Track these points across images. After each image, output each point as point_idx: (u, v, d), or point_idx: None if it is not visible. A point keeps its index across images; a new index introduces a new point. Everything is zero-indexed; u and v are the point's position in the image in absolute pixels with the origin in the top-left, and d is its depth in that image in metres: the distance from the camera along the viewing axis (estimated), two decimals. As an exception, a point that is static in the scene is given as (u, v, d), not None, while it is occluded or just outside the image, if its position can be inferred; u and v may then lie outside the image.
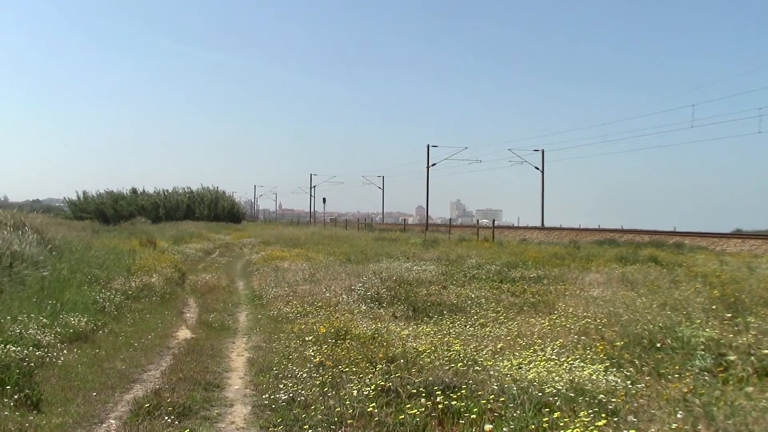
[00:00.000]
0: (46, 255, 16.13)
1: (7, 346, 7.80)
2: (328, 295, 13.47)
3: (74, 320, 10.19)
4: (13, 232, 16.47)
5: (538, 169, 62.46)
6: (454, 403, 5.90)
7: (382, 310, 11.73)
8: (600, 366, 7.08)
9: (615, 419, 5.37)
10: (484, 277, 16.08)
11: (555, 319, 9.97)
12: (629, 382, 6.49)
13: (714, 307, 9.88)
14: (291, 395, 6.78)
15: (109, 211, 79.96)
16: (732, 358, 7.12)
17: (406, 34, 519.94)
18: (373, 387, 6.56)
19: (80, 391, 7.31)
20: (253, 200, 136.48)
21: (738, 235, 34.01)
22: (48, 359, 8.17)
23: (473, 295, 12.90)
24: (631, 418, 5.37)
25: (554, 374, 6.75)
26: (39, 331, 9.06)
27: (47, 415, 6.38)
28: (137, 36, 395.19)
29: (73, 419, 6.39)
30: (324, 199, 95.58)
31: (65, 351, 8.74)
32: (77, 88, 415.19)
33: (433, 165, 63.56)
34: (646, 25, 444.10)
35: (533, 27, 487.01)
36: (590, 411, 5.54)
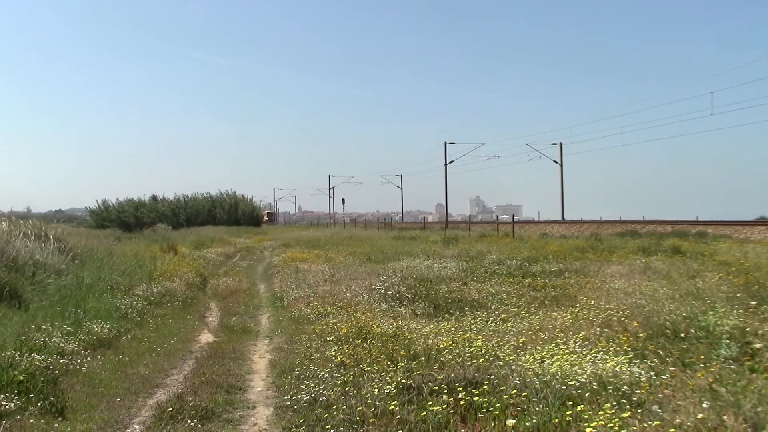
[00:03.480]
0: (68, 263, 16.29)
1: (32, 355, 7.88)
2: (348, 295, 13.47)
3: (97, 327, 10.27)
4: (35, 242, 16.65)
5: (556, 162, 62.08)
6: (476, 398, 5.87)
7: (402, 309, 11.70)
8: (623, 358, 7.00)
9: (639, 410, 5.30)
10: (504, 272, 16.00)
11: (577, 312, 9.89)
12: (653, 373, 6.40)
13: (738, 295, 9.75)
14: (313, 396, 6.78)
15: (130, 219, 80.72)
16: (758, 346, 7.00)
17: (419, 32, 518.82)
18: (394, 385, 6.54)
19: (104, 397, 7.36)
20: (273, 203, 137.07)
21: (762, 222, 33.55)
22: (72, 366, 8.23)
23: (494, 291, 12.84)
24: (655, 408, 5.30)
25: (577, 367, 6.68)
26: (63, 339, 9.14)
27: (72, 422, 6.43)
28: (156, 45, 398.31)
29: (97, 425, 6.44)
30: (343, 200, 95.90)
31: (89, 358, 8.81)
32: (96, 97, 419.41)
33: (451, 162, 63.52)
34: (660, 13, 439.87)
35: (547, 19, 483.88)
36: (614, 403, 5.48)
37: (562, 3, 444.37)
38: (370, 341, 8.68)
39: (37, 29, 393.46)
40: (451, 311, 11.19)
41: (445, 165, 63.16)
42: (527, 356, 7.37)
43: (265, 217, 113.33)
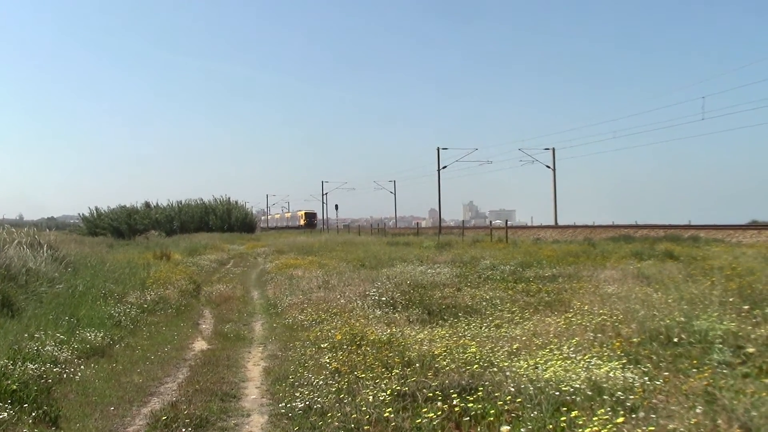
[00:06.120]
0: (62, 271, 16.25)
1: (25, 364, 7.86)
2: (342, 301, 13.45)
3: (90, 335, 10.25)
4: (28, 250, 16.59)
5: (549, 167, 62.26)
6: (470, 405, 5.86)
7: (396, 315, 11.68)
8: (617, 363, 7.01)
9: (633, 416, 5.31)
10: (498, 277, 16.02)
11: (571, 317, 9.89)
12: (647, 378, 6.42)
13: (731, 299, 9.78)
14: (307, 403, 6.77)
15: (123, 226, 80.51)
16: (751, 350, 7.04)
17: (412, 37, 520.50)
18: (389, 392, 6.53)
19: (98, 405, 7.34)
20: (265, 209, 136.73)
21: (754, 226, 33.70)
22: (65, 375, 8.21)
23: (488, 297, 12.84)
24: (649, 414, 5.31)
25: (571, 373, 6.68)
26: (56, 348, 9.12)
27: (66, 431, 6.41)
28: (150, 51, 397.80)
29: (91, 434, 6.42)
30: (336, 206, 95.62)
31: (82, 366, 8.79)
32: (91, 105, 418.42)
33: (444, 167, 63.49)
34: (652, 18, 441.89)
35: (539, 26, 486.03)
36: (608, 409, 5.49)
37: (556, 10, 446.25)
38: (365, 348, 8.66)
39: (32, 36, 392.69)
40: (445, 317, 11.19)
41: (438, 170, 63.23)
42: (521, 362, 7.37)
43: (302, 221, 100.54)
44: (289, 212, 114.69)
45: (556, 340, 8.42)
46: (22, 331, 9.73)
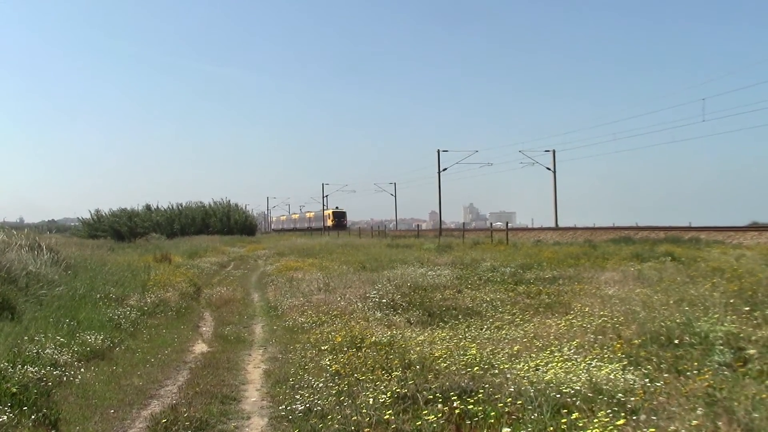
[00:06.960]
0: (62, 274, 16.25)
1: (25, 367, 7.84)
2: (342, 303, 13.44)
3: (91, 338, 10.23)
4: (28, 252, 16.59)
5: (549, 169, 62.20)
6: (471, 407, 5.86)
7: (397, 317, 11.68)
8: (618, 365, 7.01)
9: (634, 418, 5.31)
10: (498, 279, 16.02)
11: (571, 319, 9.89)
12: (648, 380, 6.42)
13: (732, 301, 9.77)
14: (307, 405, 6.76)
15: (123, 229, 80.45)
16: (751, 352, 7.03)
17: (412, 39, 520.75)
18: (389, 394, 6.52)
19: (98, 408, 7.33)
20: (266, 212, 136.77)
21: (754, 227, 33.64)
22: (65, 378, 8.19)
23: (488, 298, 12.84)
24: (650, 416, 5.31)
25: (572, 375, 6.68)
26: (56, 351, 9.10)
27: (65, 434, 6.40)
28: (147, 55, 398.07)
29: (91, 437, 6.41)
30: (337, 208, 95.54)
31: (82, 369, 8.77)
32: (91, 108, 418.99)
33: (444, 170, 63.49)
34: (652, 19, 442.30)
35: (539, 26, 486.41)
36: (609, 410, 5.49)
37: (555, 12, 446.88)
38: (365, 350, 8.66)
39: (30, 40, 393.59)
40: (445, 319, 11.19)
41: (439, 173, 63.24)
42: (522, 364, 7.37)
43: (330, 221, 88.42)
44: (311, 212, 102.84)
45: (556, 342, 8.42)
46: (22, 333, 9.71)
